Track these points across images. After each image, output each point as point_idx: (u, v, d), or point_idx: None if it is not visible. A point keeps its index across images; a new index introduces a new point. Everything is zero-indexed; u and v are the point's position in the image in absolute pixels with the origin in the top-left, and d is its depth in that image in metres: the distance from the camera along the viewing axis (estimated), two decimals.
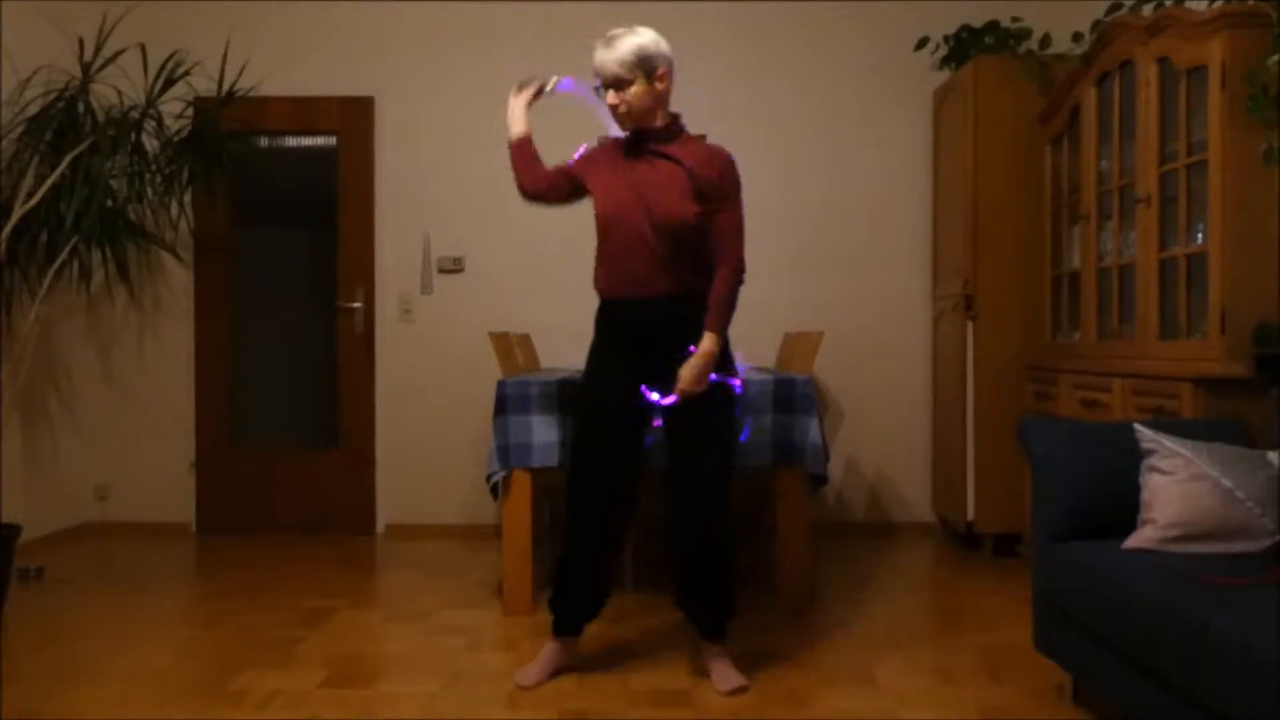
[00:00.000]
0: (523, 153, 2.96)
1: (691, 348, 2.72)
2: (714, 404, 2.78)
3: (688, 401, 2.74)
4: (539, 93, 3.01)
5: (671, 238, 2.72)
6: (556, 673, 2.91)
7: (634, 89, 2.72)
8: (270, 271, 5.19)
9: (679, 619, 3.45)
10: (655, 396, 2.75)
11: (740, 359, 2.93)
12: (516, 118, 2.98)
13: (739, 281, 2.77)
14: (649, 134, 2.80)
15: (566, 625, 2.94)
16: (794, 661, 3.04)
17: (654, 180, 2.75)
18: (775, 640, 3.25)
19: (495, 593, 3.85)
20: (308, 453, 5.13)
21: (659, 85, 2.76)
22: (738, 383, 2.85)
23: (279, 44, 5.05)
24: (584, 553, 2.88)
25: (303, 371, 5.20)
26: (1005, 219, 4.41)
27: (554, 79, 2.96)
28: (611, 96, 2.74)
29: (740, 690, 2.78)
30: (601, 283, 2.85)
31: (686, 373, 2.70)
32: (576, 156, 2.95)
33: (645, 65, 2.72)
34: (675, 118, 2.84)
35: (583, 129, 4.12)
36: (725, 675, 2.82)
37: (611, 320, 2.85)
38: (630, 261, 2.75)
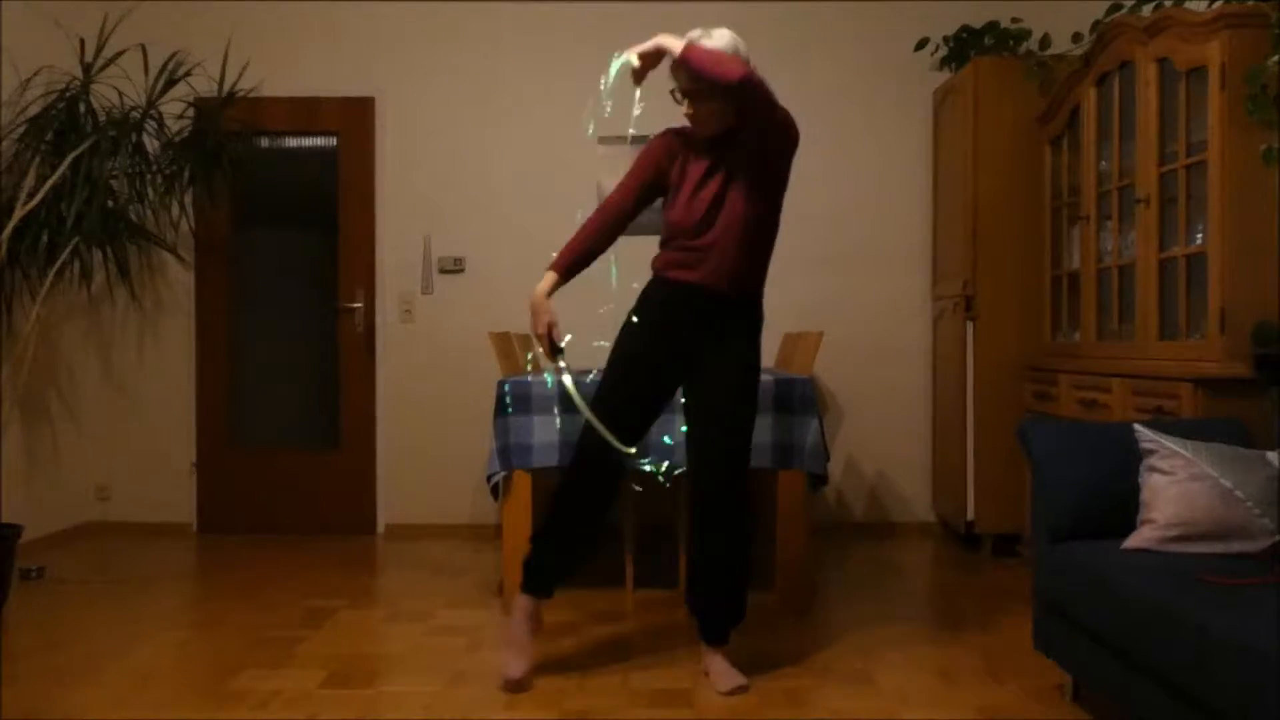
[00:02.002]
0: (576, 266, 2.85)
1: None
2: (744, 371, 2.81)
3: (715, 371, 2.79)
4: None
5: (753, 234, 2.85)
6: (532, 659, 2.86)
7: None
8: (270, 271, 5.19)
9: (679, 619, 3.45)
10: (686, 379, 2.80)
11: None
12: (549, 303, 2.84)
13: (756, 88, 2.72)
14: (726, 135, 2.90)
15: (541, 584, 2.90)
16: (794, 661, 3.04)
17: (736, 180, 2.86)
18: (775, 640, 3.25)
19: (495, 593, 3.85)
20: (308, 453, 5.13)
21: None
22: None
23: (279, 44, 5.05)
24: (582, 507, 2.85)
25: (303, 371, 5.21)
26: (1005, 219, 4.41)
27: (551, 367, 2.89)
28: (686, 106, 2.79)
29: (740, 690, 2.78)
30: (676, 270, 2.85)
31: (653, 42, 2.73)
32: (647, 155, 2.93)
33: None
34: None
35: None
36: (726, 674, 2.82)
37: (673, 300, 2.84)
38: (717, 255, 2.80)
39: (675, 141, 2.89)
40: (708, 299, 2.80)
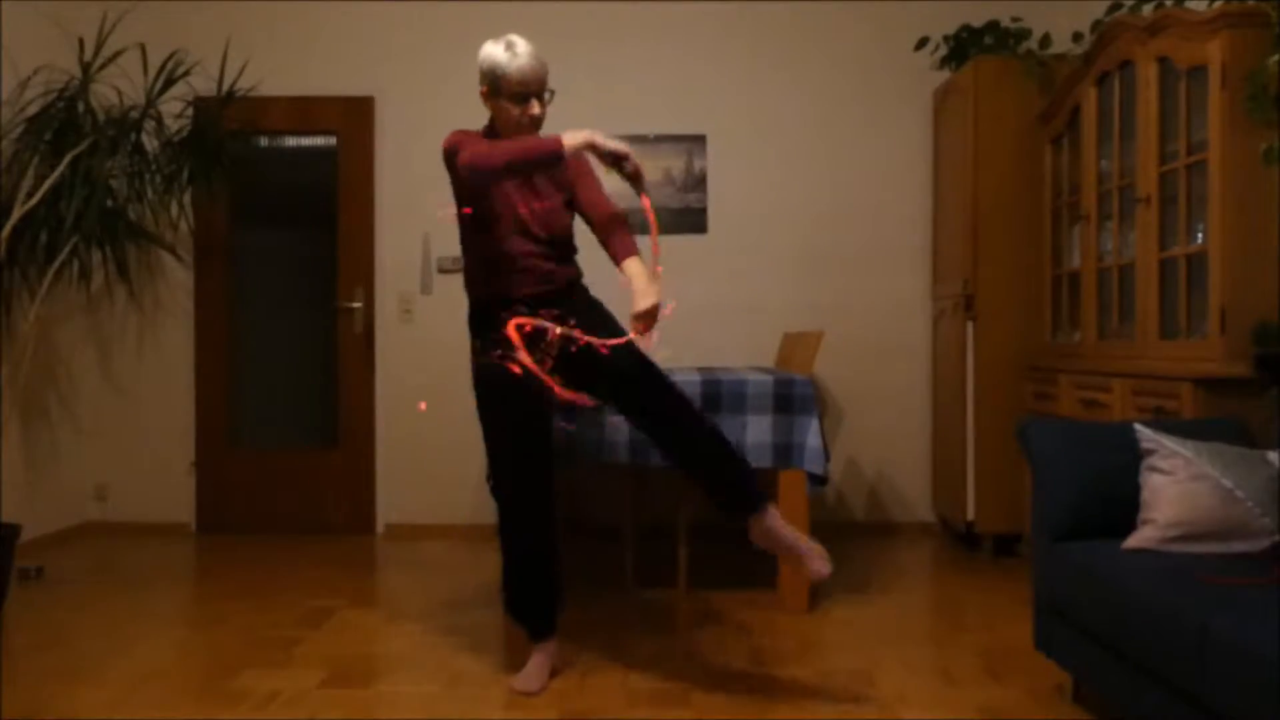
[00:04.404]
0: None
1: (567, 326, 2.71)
2: (619, 352, 2.72)
3: (596, 364, 2.71)
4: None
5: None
6: (554, 674, 2.91)
7: (546, 95, 2.76)
8: (270, 271, 5.19)
9: (679, 619, 3.46)
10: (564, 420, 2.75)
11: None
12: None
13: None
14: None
15: (539, 631, 2.93)
16: (794, 661, 3.04)
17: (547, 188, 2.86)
18: (775, 640, 3.25)
19: (495, 593, 3.84)
20: (308, 453, 5.13)
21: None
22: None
23: (279, 44, 5.05)
24: (527, 561, 2.89)
25: (303, 371, 5.20)
26: (1005, 219, 4.41)
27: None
28: (535, 107, 2.74)
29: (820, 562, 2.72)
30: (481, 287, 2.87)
31: (638, 306, 2.64)
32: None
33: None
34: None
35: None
36: (783, 530, 2.76)
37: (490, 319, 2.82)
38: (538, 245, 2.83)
39: None
40: None
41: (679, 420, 2.78)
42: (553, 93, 2.78)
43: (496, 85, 2.72)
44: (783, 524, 2.78)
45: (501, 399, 2.81)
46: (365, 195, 5.07)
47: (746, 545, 4.61)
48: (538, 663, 2.88)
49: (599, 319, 2.83)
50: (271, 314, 5.19)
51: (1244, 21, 2.98)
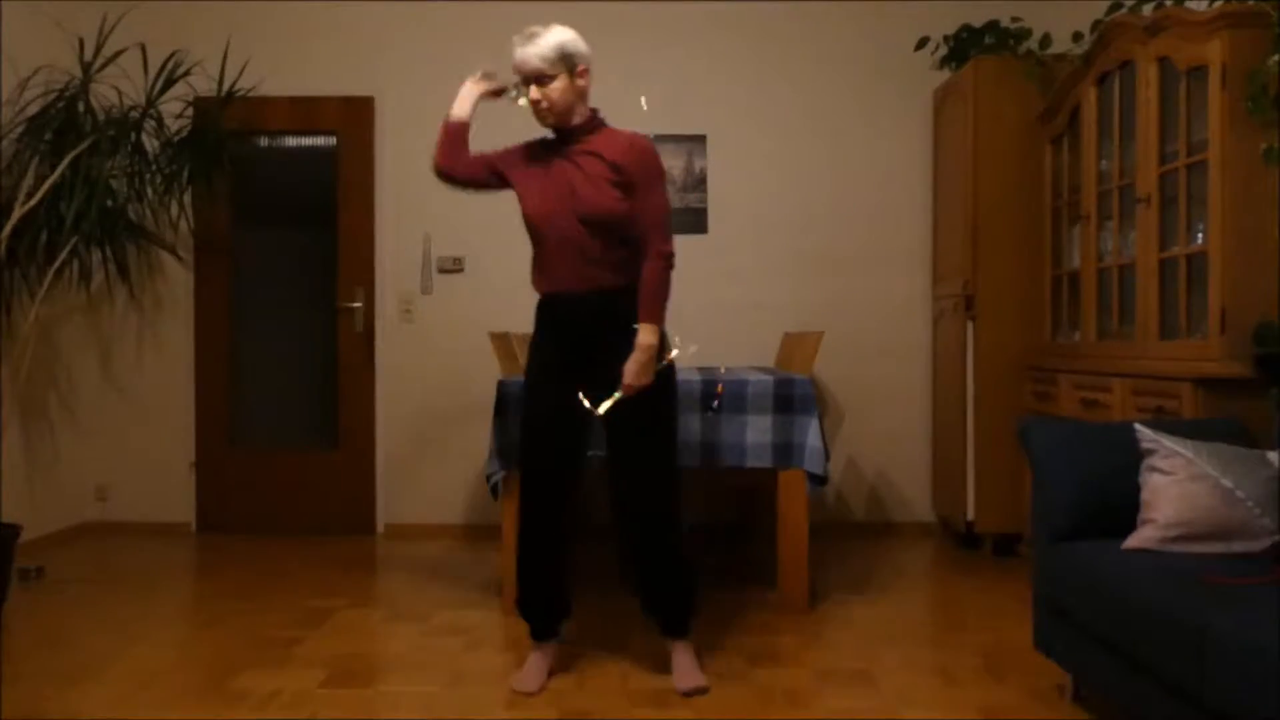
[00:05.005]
0: (454, 135, 2.94)
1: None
2: (653, 393, 2.76)
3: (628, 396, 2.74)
4: (499, 93, 2.98)
5: (601, 232, 2.72)
6: (552, 674, 2.91)
7: (556, 84, 2.72)
8: (270, 271, 5.19)
9: None
10: (592, 404, 2.73)
11: (676, 344, 2.90)
12: (464, 102, 2.96)
13: (668, 268, 2.75)
14: (570, 131, 2.80)
15: (542, 632, 2.93)
16: (794, 661, 3.04)
17: (578, 176, 2.74)
18: (775, 640, 3.25)
19: (495, 593, 3.84)
20: (308, 453, 5.13)
21: (580, 81, 2.77)
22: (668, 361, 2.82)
23: (279, 44, 5.05)
24: (540, 558, 2.88)
25: (303, 371, 5.20)
26: (1005, 219, 4.41)
27: (521, 92, 2.83)
28: (534, 92, 2.74)
29: (699, 691, 2.76)
30: (538, 281, 2.86)
31: (630, 368, 2.69)
32: (499, 151, 2.97)
33: (567, 61, 2.73)
34: (594, 112, 2.84)
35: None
36: (686, 673, 2.82)
37: (551, 316, 2.84)
38: (564, 259, 2.76)
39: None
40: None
41: (648, 514, 2.81)
42: (561, 77, 2.73)
43: None
44: (689, 663, 2.85)
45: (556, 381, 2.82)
46: (365, 195, 5.07)
47: (746, 545, 4.62)
48: (535, 663, 2.88)
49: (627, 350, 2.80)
50: (272, 314, 5.19)
51: (1244, 21, 2.98)
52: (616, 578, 3.98)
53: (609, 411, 2.75)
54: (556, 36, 2.72)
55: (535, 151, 2.89)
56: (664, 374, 2.79)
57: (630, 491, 2.83)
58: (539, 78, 2.72)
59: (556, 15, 5.08)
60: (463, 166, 2.94)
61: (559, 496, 2.84)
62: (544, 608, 2.92)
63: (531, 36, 2.72)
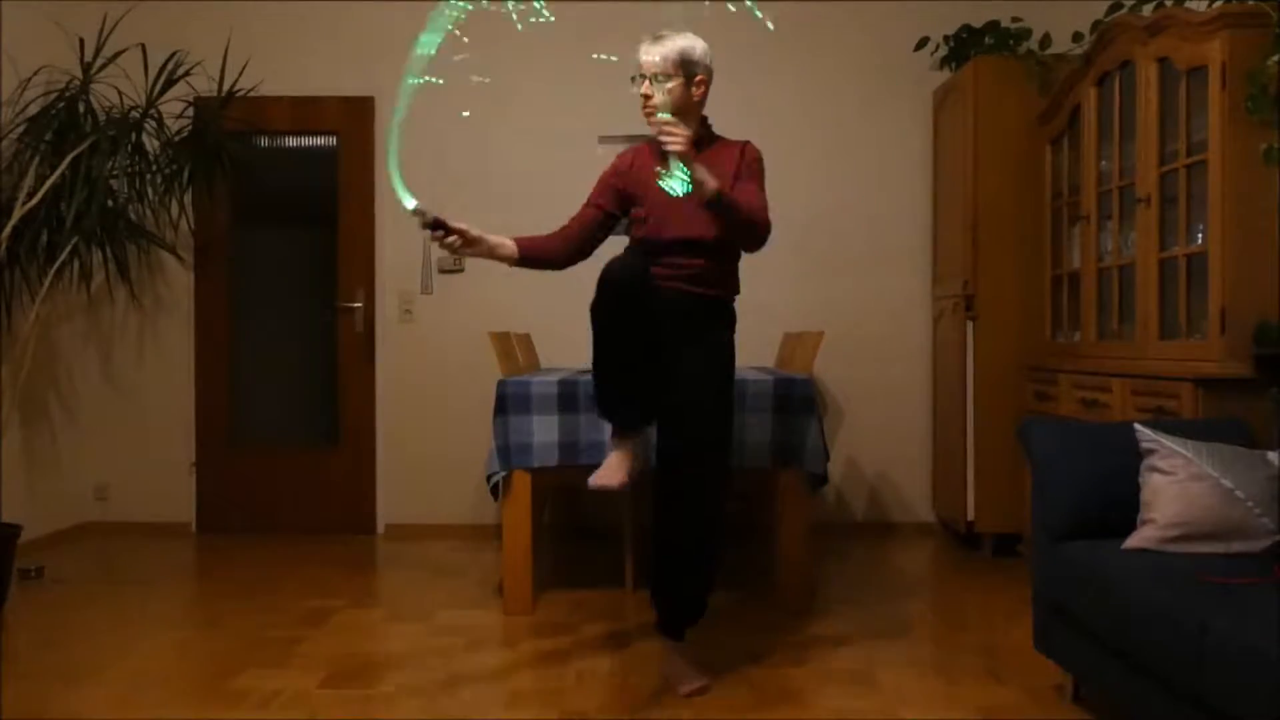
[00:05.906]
0: (533, 253, 2.97)
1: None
2: (719, 379, 2.83)
3: (692, 365, 2.77)
4: (438, 226, 2.88)
5: (715, 240, 2.77)
6: (631, 476, 2.75)
7: (668, 84, 2.75)
8: (270, 271, 5.19)
9: None
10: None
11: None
12: (489, 251, 2.95)
13: (764, 228, 2.75)
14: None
15: (627, 424, 2.77)
16: (794, 661, 3.04)
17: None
18: (775, 640, 3.24)
19: (495, 593, 3.84)
20: (308, 452, 5.13)
21: (696, 90, 2.81)
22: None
23: (279, 44, 5.05)
24: (620, 351, 2.71)
25: (303, 371, 5.20)
26: (1005, 219, 4.41)
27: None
28: (646, 86, 2.76)
29: (701, 691, 2.75)
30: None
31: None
32: (608, 172, 2.98)
33: (686, 67, 2.78)
34: (704, 122, 2.89)
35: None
36: (685, 675, 2.79)
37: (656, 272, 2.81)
38: (682, 263, 2.81)
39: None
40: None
41: (691, 495, 2.76)
42: (679, 77, 2.77)
43: None
44: (682, 665, 2.82)
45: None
46: (365, 195, 5.07)
47: (745, 545, 4.61)
48: (618, 458, 2.76)
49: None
50: (272, 314, 5.19)
51: (1244, 21, 2.97)
52: (618, 578, 3.98)
53: (674, 386, 2.76)
54: (682, 41, 2.79)
55: (647, 159, 2.88)
56: (726, 360, 2.88)
57: (684, 469, 2.75)
58: (655, 77, 2.76)
59: (556, 15, 5.11)
60: (577, 244, 3.00)
61: (637, 310, 2.69)
62: (626, 402, 2.76)
63: (659, 38, 2.79)
